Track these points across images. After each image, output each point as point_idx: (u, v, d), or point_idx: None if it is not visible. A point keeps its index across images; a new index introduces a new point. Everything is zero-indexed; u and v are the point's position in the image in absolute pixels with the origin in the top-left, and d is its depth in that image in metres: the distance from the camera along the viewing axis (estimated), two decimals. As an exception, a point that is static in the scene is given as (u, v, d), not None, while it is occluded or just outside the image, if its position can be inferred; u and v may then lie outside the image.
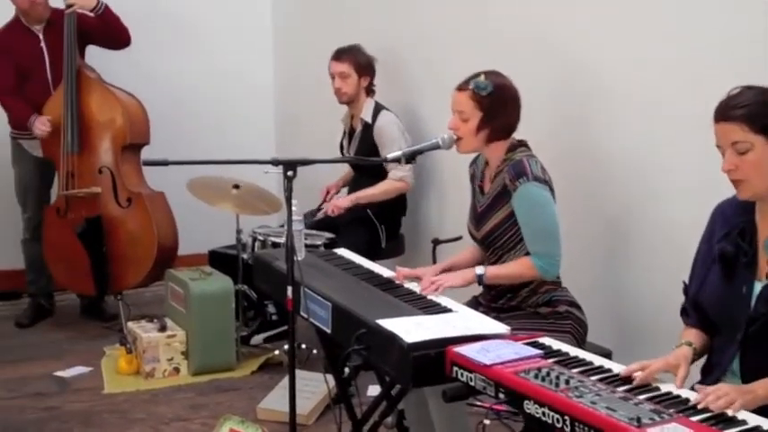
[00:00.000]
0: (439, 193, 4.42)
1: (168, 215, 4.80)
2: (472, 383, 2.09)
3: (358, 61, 4.33)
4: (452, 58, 4.14)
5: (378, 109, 4.37)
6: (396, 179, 4.27)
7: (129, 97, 4.80)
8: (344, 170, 4.67)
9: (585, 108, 3.40)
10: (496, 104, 2.89)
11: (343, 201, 4.28)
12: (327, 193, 4.52)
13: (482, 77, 2.88)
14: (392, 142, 4.19)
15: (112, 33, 4.75)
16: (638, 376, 2.00)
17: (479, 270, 2.90)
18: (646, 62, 3.09)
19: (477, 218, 3.02)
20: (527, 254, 2.90)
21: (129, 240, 4.65)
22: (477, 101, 2.88)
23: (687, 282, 2.31)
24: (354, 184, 4.51)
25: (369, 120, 4.34)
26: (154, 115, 4.85)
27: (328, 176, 4.68)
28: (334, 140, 4.63)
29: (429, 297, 2.72)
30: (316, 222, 4.32)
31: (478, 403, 3.08)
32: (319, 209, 4.40)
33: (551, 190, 2.91)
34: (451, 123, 2.94)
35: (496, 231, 2.94)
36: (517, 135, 2.99)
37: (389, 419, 2.76)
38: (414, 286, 2.84)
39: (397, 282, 2.88)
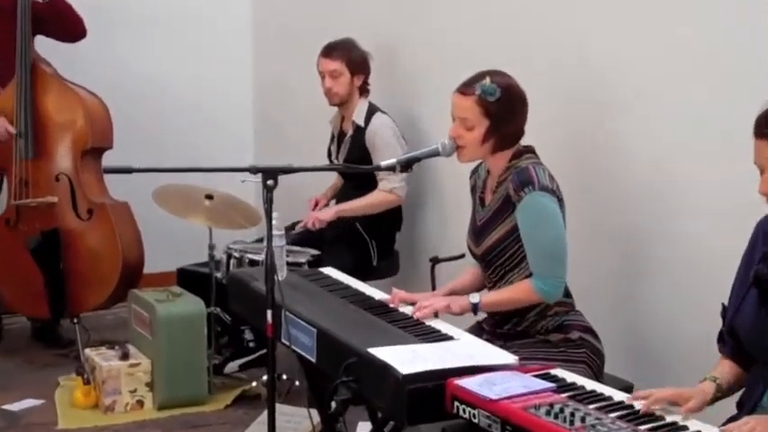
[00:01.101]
0: (438, 205, 4.41)
1: (134, 229, 4.79)
2: (476, 420, 2.09)
3: (351, 58, 4.32)
4: (455, 53, 4.14)
5: (372, 111, 4.36)
6: (386, 190, 4.26)
7: (91, 96, 4.79)
8: (334, 178, 4.67)
9: (602, 111, 3.40)
10: (505, 110, 2.88)
11: (326, 213, 4.27)
12: (316, 205, 4.50)
13: (488, 80, 2.87)
14: (386, 147, 4.19)
15: (65, 23, 4.73)
16: (642, 404, 2.01)
17: (474, 298, 2.90)
18: (673, 60, 3.09)
19: (477, 232, 3.02)
20: (529, 276, 2.90)
21: (91, 257, 4.63)
22: (483, 107, 2.87)
23: (726, 304, 2.31)
24: (342, 195, 4.50)
25: (361, 123, 4.34)
26: (114, 116, 4.82)
27: (314, 186, 4.67)
28: (321, 146, 4.63)
29: (427, 323, 2.72)
30: (297, 237, 4.32)
31: (482, 443, 3.07)
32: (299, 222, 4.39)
33: (560, 201, 2.92)
34: (453, 131, 2.94)
35: (498, 247, 2.94)
36: (524, 141, 3.00)
37: (381, 460, 2.74)
38: (410, 310, 2.84)
39: (392, 305, 2.87)
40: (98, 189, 4.76)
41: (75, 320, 4.61)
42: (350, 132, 4.39)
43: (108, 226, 4.63)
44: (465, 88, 2.92)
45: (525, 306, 2.93)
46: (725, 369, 2.26)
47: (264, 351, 3.96)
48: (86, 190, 4.67)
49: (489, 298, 2.93)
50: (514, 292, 2.90)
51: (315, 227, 4.23)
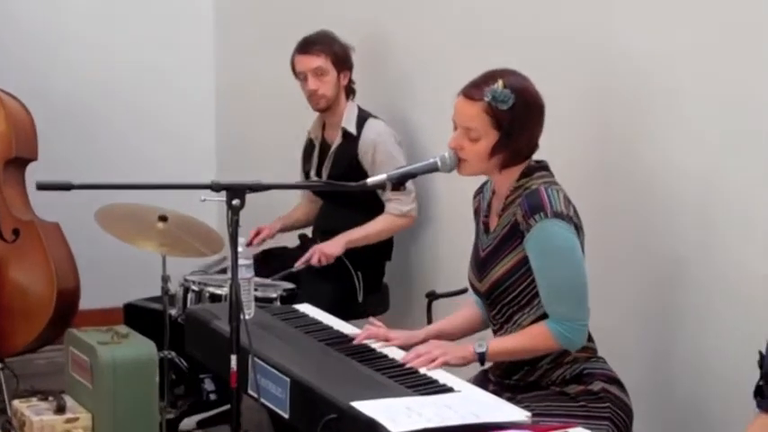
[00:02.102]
0: (436, 231, 4.42)
1: (67, 252, 4.79)
2: (479, 489, 2.09)
3: (335, 52, 4.33)
4: (456, 47, 4.14)
5: (363, 116, 4.38)
6: (398, 214, 4.27)
7: (11, 98, 4.81)
8: (293, 205, 4.67)
9: (634, 113, 3.39)
10: (518, 121, 2.88)
11: (333, 246, 4.25)
12: (257, 234, 4.50)
13: (500, 84, 2.86)
14: (391, 161, 4.18)
15: None
16: None
17: (480, 347, 2.90)
18: (724, 53, 3.06)
19: (480, 264, 3.02)
20: (542, 316, 2.90)
21: (18, 285, 4.63)
22: (493, 116, 2.86)
23: (765, 352, 2.31)
24: (325, 218, 4.52)
25: (352, 130, 4.34)
26: (44, 125, 4.84)
27: (290, 207, 4.69)
28: (296, 161, 4.63)
29: (422, 371, 2.72)
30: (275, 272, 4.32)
31: None
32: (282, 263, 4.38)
33: (578, 229, 2.92)
34: (454, 142, 2.93)
35: (504, 283, 2.94)
36: (538, 153, 3.00)
37: None
38: (400, 355, 2.85)
39: (375, 346, 2.88)
40: (24, 205, 4.77)
41: (1, 365, 4.59)
42: (337, 142, 4.38)
43: (38, 248, 4.63)
44: (472, 91, 2.90)
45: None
46: (764, 429, 2.25)
47: (227, 408, 3.95)
48: (11, 206, 4.68)
49: (499, 346, 2.92)
50: (530, 340, 2.90)
51: (321, 263, 4.23)
